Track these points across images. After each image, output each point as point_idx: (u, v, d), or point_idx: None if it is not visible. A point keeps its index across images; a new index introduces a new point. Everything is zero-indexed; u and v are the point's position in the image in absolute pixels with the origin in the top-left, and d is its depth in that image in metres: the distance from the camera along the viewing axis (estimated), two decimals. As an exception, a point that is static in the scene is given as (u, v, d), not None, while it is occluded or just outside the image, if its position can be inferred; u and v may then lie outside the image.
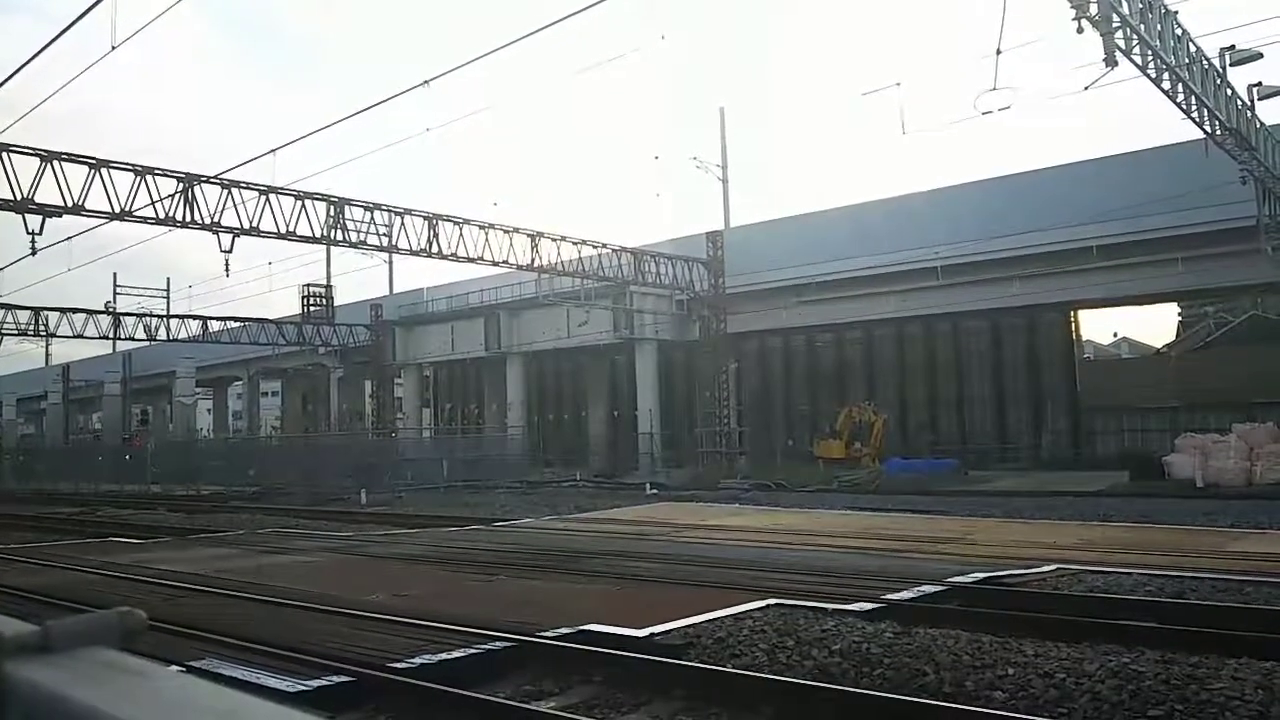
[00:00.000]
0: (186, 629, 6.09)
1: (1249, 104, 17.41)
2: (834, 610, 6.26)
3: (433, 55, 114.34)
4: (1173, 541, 9.96)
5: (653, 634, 5.77)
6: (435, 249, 23.41)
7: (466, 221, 24.06)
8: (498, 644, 5.56)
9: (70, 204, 18.06)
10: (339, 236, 22.33)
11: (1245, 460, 19.71)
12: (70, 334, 34.08)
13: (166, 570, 9.38)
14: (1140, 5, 12.82)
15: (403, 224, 23.02)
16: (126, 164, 18.98)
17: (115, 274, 36.42)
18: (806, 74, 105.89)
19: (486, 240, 24.32)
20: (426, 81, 13.33)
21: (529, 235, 25.29)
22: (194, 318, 36.45)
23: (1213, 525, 12.00)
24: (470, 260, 24.27)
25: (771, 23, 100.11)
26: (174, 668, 4.99)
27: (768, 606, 6.45)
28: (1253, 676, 4.36)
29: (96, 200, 18.40)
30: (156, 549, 12.02)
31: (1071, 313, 30.31)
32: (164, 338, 35.94)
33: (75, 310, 34.16)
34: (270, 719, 0.61)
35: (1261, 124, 18.10)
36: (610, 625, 5.92)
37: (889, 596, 6.86)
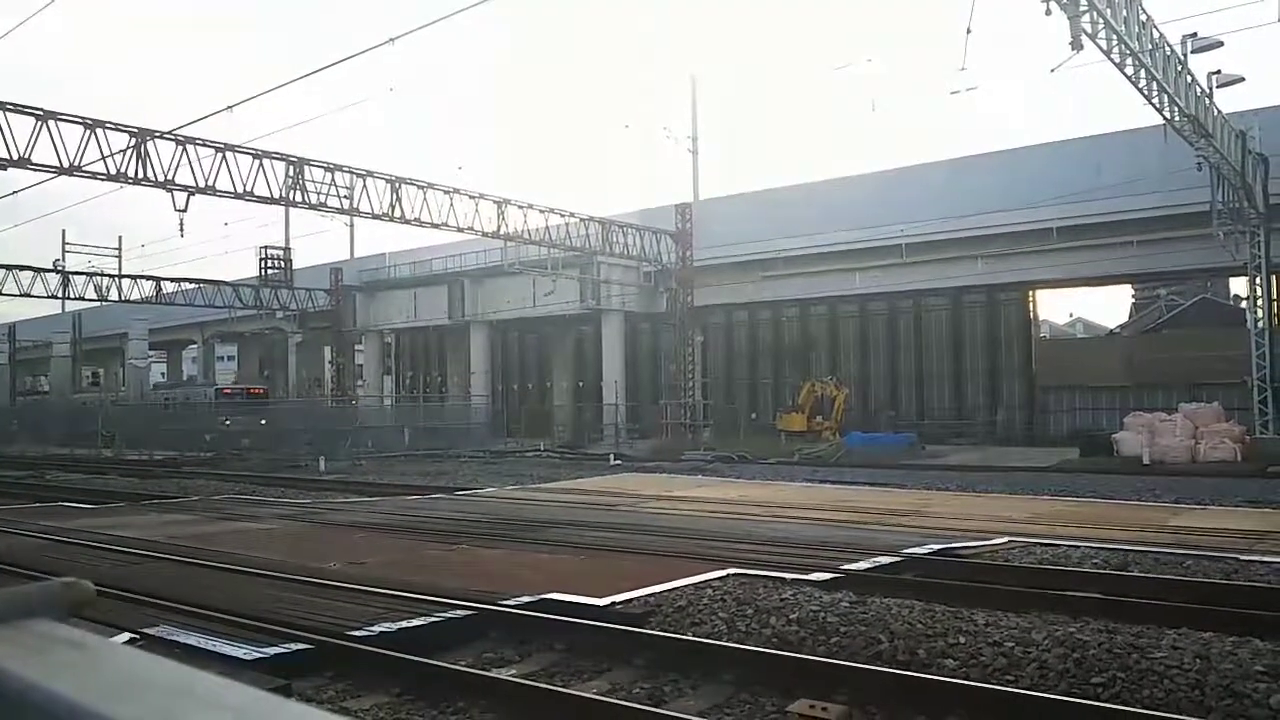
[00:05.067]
0: (140, 596, 5.99)
1: (1208, 91, 17.76)
2: (792, 580, 6.37)
3: (398, 11, 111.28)
4: (1118, 516, 10.29)
5: (614, 603, 5.82)
6: (398, 213, 22.94)
7: (431, 186, 23.60)
8: (459, 612, 5.55)
9: (15, 157, 17.31)
10: (298, 198, 21.73)
11: (1190, 439, 20.40)
12: (16, 293, 32.99)
13: (119, 536, 9.18)
14: (1107, -11, 12.92)
15: (364, 186, 22.50)
16: (76, 116, 18.21)
17: (64, 231, 35.23)
18: (780, 47, 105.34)
19: (451, 205, 23.90)
20: (391, 39, 12.98)
21: (495, 202, 24.92)
22: (147, 278, 35.39)
23: (1157, 501, 12.43)
24: (434, 226, 23.85)
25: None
26: (126, 635, 4.91)
27: (728, 576, 6.54)
28: (1191, 646, 4.53)
29: (44, 154, 17.68)
30: (109, 515, 11.75)
31: (1030, 292, 30.93)
32: (115, 298, 34.90)
33: (22, 268, 33.03)
34: (221, 691, 0.58)
35: (1219, 111, 18.48)
36: (572, 594, 5.94)
37: (846, 567, 6.99)
